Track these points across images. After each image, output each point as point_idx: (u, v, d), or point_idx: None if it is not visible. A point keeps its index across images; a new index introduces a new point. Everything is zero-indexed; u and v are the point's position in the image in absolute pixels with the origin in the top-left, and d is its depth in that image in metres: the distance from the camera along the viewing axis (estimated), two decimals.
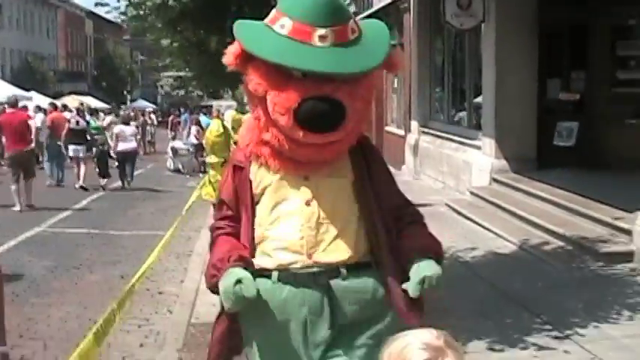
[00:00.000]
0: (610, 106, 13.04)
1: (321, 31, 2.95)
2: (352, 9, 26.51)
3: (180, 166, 25.24)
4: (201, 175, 22.90)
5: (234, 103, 32.45)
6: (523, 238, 10.01)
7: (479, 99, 14.78)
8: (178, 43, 6.68)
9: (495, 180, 13.24)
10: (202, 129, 24.45)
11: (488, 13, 13.58)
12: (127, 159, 20.34)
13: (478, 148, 14.34)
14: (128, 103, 65.97)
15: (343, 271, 3.13)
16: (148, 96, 79.09)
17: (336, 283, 3.12)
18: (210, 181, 5.35)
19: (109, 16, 6.92)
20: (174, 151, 25.95)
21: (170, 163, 25.91)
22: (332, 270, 3.13)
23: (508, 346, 6.10)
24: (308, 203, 3.15)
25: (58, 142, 20.43)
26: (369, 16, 22.54)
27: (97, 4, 6.87)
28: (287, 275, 3.12)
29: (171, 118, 36.42)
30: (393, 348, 2.09)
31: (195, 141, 25.04)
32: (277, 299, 3.11)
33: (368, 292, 3.16)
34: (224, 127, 5.24)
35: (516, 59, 13.19)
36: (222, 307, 3.15)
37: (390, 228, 3.23)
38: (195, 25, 6.44)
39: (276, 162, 3.18)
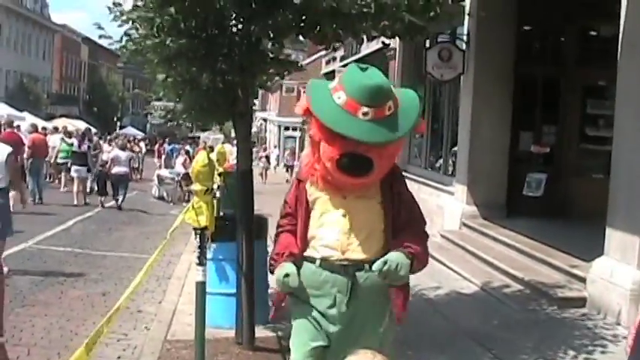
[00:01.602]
0: (578, 161, 13.67)
1: (365, 109, 4.05)
2: (340, 53, 27.28)
3: (164, 194, 25.59)
4: (184, 204, 23.39)
5: (221, 136, 32.95)
6: (485, 280, 10.57)
7: (456, 147, 15.40)
8: (172, 79, 7.13)
9: (465, 224, 13.80)
10: (190, 159, 25.01)
11: (467, 65, 14.21)
12: (121, 182, 22.14)
13: (451, 193, 14.93)
14: (117, 129, 66.39)
15: (366, 266, 4.27)
16: (137, 124, 79.50)
17: (359, 274, 4.29)
18: (193, 207, 5.81)
19: (105, 44, 7.28)
20: (160, 179, 26.29)
21: (155, 191, 26.27)
22: (358, 265, 4.29)
23: None
24: (345, 215, 4.33)
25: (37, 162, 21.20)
26: (358, 60, 23.20)
27: (100, 37, 7.30)
28: (326, 264, 4.32)
29: (157, 146, 36.91)
30: None
31: (182, 170, 25.56)
32: (317, 279, 4.32)
33: (380, 283, 4.25)
34: (209, 158, 5.74)
35: (491, 111, 13.81)
36: None
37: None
38: (188, 63, 6.86)
39: (324, 184, 4.37)
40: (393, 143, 4.24)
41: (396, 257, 4.16)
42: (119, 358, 7.39)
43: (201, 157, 5.77)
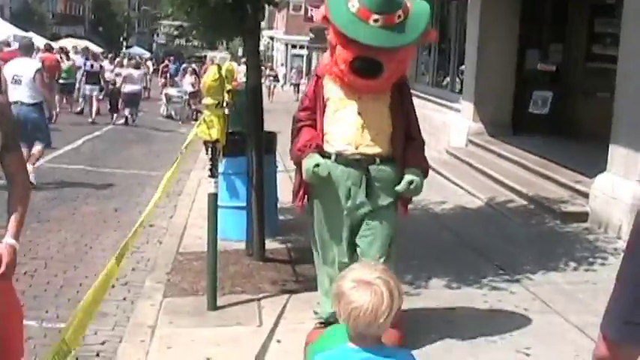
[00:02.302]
0: (584, 79, 13.68)
1: (375, 16, 4.50)
2: None
3: (172, 113, 25.70)
4: (193, 122, 23.52)
5: (227, 55, 32.83)
6: (490, 196, 10.74)
7: (463, 66, 15.42)
8: None
9: (471, 142, 13.93)
10: (198, 77, 25.05)
11: None
12: (133, 99, 22.95)
13: (458, 111, 15.03)
14: (124, 49, 66.11)
15: (377, 160, 4.84)
16: (143, 44, 79.09)
17: (372, 167, 4.84)
18: (205, 121, 5.94)
19: None
20: (168, 97, 26.34)
21: (163, 109, 26.35)
22: (370, 158, 4.83)
23: (463, 285, 6.78)
24: (359, 113, 4.81)
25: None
26: None
27: None
28: (341, 158, 4.83)
29: (162, 66, 36.75)
30: (338, 278, 2.65)
31: (191, 89, 25.61)
32: (333, 173, 4.82)
33: (390, 176, 4.88)
34: (220, 73, 5.85)
35: (499, 29, 13.78)
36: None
37: (404, 140, 4.95)
38: None
39: (341, 83, 4.84)
40: (402, 48, 4.69)
41: (417, 178, 4.85)
42: (133, 269, 7.62)
43: (212, 72, 5.88)
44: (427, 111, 16.48)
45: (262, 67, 20.46)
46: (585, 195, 9.65)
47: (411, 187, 4.83)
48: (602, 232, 8.89)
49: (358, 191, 4.86)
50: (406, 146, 4.99)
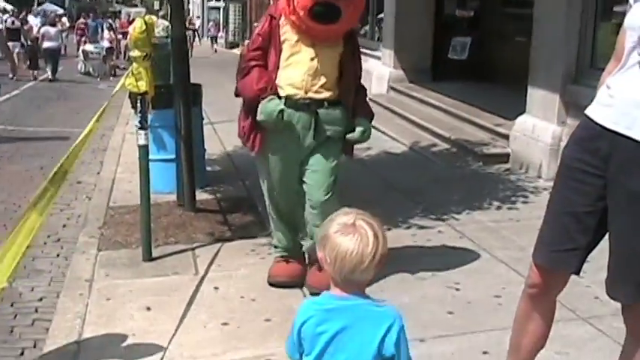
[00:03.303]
0: (501, 24, 13.94)
1: None
2: None
3: (90, 69, 25.35)
4: (111, 78, 23.24)
5: (143, 9, 32.36)
6: (414, 141, 10.96)
7: (382, 14, 15.54)
8: None
9: (393, 88, 14.14)
10: (115, 32, 24.76)
11: None
12: (52, 56, 23.25)
13: (378, 58, 15.18)
14: (35, 6, 64.44)
15: (326, 104, 4.99)
16: (56, 0, 77.17)
17: (320, 110, 4.99)
18: (132, 73, 5.92)
19: None
20: (86, 54, 25.97)
21: (81, 66, 25.96)
22: (319, 102, 4.98)
23: (392, 226, 6.95)
24: (312, 59, 4.93)
25: None
26: None
27: None
28: (291, 102, 4.96)
29: (78, 22, 35.99)
30: (322, 224, 2.62)
31: (107, 44, 25.29)
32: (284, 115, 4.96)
33: (338, 118, 5.06)
34: (147, 25, 5.84)
35: None
36: (246, 107, 5.14)
37: (353, 82, 5.17)
38: None
39: (297, 30, 4.93)
40: None
41: (368, 126, 5.20)
42: (64, 226, 7.61)
43: (138, 24, 5.86)
44: None
45: None
46: (506, 137, 9.91)
47: (365, 135, 5.18)
48: (523, 172, 9.17)
49: (307, 134, 5.03)
50: (355, 95, 5.21)
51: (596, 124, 3.06)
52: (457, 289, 5.48)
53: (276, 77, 5.02)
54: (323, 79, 4.98)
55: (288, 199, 5.36)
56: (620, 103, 2.98)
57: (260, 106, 5.00)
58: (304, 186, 5.19)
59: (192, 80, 7.66)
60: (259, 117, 5.01)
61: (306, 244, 5.43)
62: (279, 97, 4.99)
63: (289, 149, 5.10)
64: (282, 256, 5.55)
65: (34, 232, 3.93)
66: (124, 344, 4.64)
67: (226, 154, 10.00)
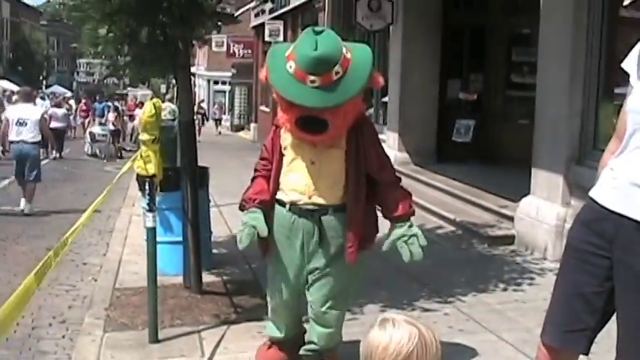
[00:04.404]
0: (504, 107, 14.14)
1: (312, 78, 4.40)
2: (269, 6, 27.29)
3: (97, 151, 25.56)
4: (117, 160, 23.43)
5: (149, 92, 32.77)
6: (419, 223, 10.77)
7: (386, 98, 15.74)
8: (113, 34, 7.26)
9: (398, 171, 14.19)
10: (120, 115, 25.06)
11: (396, 15, 14.54)
12: (59, 136, 22.92)
13: (383, 141, 15.29)
14: (44, 88, 65.31)
15: (330, 210, 4.78)
16: (64, 82, 78.30)
17: (324, 218, 4.79)
18: (141, 156, 6.01)
19: (28, 0, 7.36)
20: (92, 136, 26.22)
21: (88, 148, 26.17)
22: (323, 209, 4.78)
23: (397, 309, 6.93)
24: (313, 163, 4.76)
25: None
26: (287, 12, 23.29)
27: None
28: (295, 208, 4.81)
29: (79, 104, 36.23)
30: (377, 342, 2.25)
31: (112, 127, 25.57)
32: (288, 222, 4.84)
33: (341, 226, 4.80)
34: (156, 109, 5.95)
35: (420, 60, 14.18)
36: None
37: (362, 183, 4.81)
38: (129, 18, 7.02)
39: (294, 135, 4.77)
40: (344, 104, 4.56)
41: (414, 231, 4.96)
42: (70, 307, 7.62)
43: (148, 108, 5.97)
44: None
45: None
46: (511, 218, 9.94)
47: (411, 248, 4.98)
48: (528, 253, 9.17)
49: (311, 241, 4.84)
50: (382, 191, 4.97)
51: (601, 206, 3.11)
52: None
53: (278, 184, 4.92)
54: (326, 183, 4.80)
55: (292, 306, 5.21)
56: (623, 185, 3.04)
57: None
58: (307, 294, 5.05)
59: (199, 162, 7.75)
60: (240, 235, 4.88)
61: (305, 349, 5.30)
62: (283, 204, 4.87)
63: (293, 256, 4.93)
64: (273, 343, 5.45)
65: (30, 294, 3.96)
66: None
67: (232, 237, 9.99)
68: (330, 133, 4.62)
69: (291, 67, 4.50)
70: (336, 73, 4.44)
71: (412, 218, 5.06)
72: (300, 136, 4.74)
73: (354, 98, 4.62)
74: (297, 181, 4.82)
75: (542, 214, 9.08)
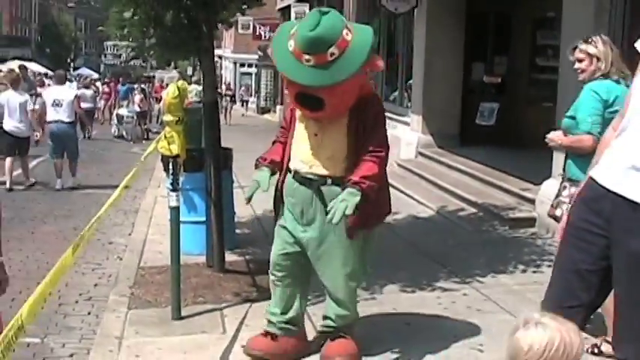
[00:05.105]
0: (528, 90, 14.13)
1: (307, 57, 4.57)
2: None
3: (124, 133, 25.73)
4: (144, 141, 23.61)
5: (176, 74, 32.94)
6: (441, 205, 11.07)
7: (411, 80, 15.78)
8: (138, 17, 7.37)
9: (421, 153, 14.29)
10: (146, 98, 25.22)
11: None
12: (87, 116, 22.80)
13: (407, 124, 15.38)
14: (71, 70, 65.72)
15: (329, 181, 4.91)
16: (91, 64, 78.73)
17: (323, 188, 4.93)
18: (165, 137, 6.13)
19: None
20: (119, 118, 26.40)
21: (115, 130, 26.34)
22: (321, 179, 4.93)
23: (417, 289, 7.06)
24: (316, 135, 4.93)
25: None
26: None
27: None
28: (297, 176, 5.01)
29: (103, 87, 36.32)
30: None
31: (138, 109, 25.75)
32: (291, 188, 5.06)
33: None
34: (179, 91, 6.08)
35: (445, 43, 14.20)
36: None
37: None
38: (154, 1, 7.12)
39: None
40: (340, 84, 4.66)
41: (340, 205, 4.58)
42: (96, 285, 7.78)
43: (171, 89, 6.09)
44: None
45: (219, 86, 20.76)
46: (532, 201, 10.00)
47: (329, 215, 4.63)
48: (549, 236, 9.21)
49: (309, 210, 4.99)
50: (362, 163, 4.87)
51: (600, 185, 3.18)
52: (480, 351, 5.55)
53: (289, 152, 5.12)
54: (326, 154, 4.92)
55: (288, 274, 5.24)
56: (622, 166, 3.10)
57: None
58: (318, 273, 5.19)
59: (225, 144, 7.86)
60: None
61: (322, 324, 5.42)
62: (290, 171, 5.07)
63: (294, 221, 5.09)
64: (268, 332, 5.37)
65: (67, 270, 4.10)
66: None
67: (255, 218, 10.13)
68: (326, 111, 4.78)
69: (291, 45, 4.67)
70: (332, 54, 4.57)
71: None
72: (301, 111, 5.00)
73: (349, 79, 4.68)
74: (301, 151, 5.00)
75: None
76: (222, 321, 6.19)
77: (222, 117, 27.16)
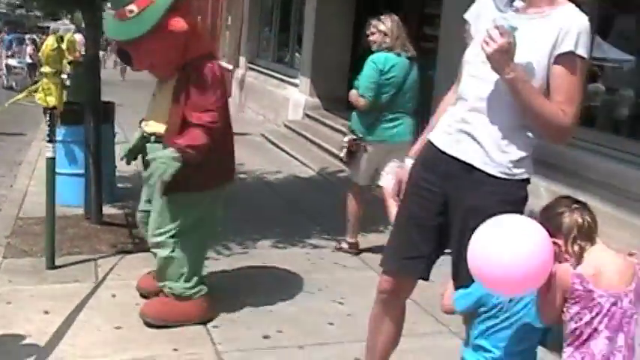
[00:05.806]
0: (417, 57, 14.43)
1: (111, 11, 5.03)
2: None
3: (13, 84, 25.24)
4: (34, 94, 23.18)
5: (72, 26, 32.29)
6: (322, 166, 11.37)
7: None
8: None
9: (308, 115, 14.54)
10: (37, 48, 24.72)
11: None
12: None
13: (296, 85, 15.60)
14: None
15: (152, 138, 5.14)
16: None
17: (148, 145, 5.20)
18: (42, 88, 6.18)
19: None
20: (9, 68, 25.88)
21: (4, 81, 25.86)
22: (149, 137, 5.18)
23: (289, 245, 7.36)
24: (154, 94, 5.29)
25: None
26: None
27: None
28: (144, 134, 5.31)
29: None
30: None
31: (29, 60, 25.25)
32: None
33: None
34: (59, 43, 6.12)
35: (335, 7, 14.43)
36: None
37: (178, 121, 4.96)
38: None
39: None
40: (142, 40, 4.85)
41: (160, 166, 4.80)
42: None
43: (50, 41, 6.12)
44: (268, 86, 17.01)
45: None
46: None
47: (146, 175, 5.08)
48: None
49: (147, 167, 5.08)
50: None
51: (437, 148, 3.49)
52: (341, 303, 5.87)
53: None
54: (156, 113, 5.17)
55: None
56: (454, 131, 3.41)
57: None
58: None
59: (119, 100, 7.92)
60: None
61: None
62: None
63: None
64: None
65: None
66: (20, 344, 4.90)
67: (139, 172, 10.20)
68: (136, 65, 5.18)
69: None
70: (130, 10, 4.82)
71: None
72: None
73: (146, 37, 4.82)
74: (147, 110, 5.35)
75: None
76: (95, 271, 6.34)
77: (118, 72, 27.02)
